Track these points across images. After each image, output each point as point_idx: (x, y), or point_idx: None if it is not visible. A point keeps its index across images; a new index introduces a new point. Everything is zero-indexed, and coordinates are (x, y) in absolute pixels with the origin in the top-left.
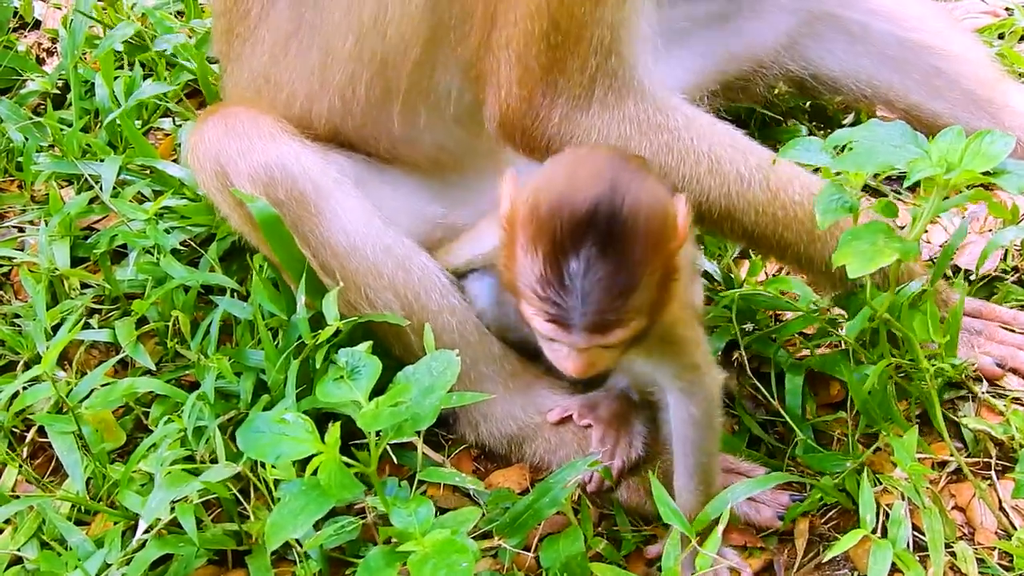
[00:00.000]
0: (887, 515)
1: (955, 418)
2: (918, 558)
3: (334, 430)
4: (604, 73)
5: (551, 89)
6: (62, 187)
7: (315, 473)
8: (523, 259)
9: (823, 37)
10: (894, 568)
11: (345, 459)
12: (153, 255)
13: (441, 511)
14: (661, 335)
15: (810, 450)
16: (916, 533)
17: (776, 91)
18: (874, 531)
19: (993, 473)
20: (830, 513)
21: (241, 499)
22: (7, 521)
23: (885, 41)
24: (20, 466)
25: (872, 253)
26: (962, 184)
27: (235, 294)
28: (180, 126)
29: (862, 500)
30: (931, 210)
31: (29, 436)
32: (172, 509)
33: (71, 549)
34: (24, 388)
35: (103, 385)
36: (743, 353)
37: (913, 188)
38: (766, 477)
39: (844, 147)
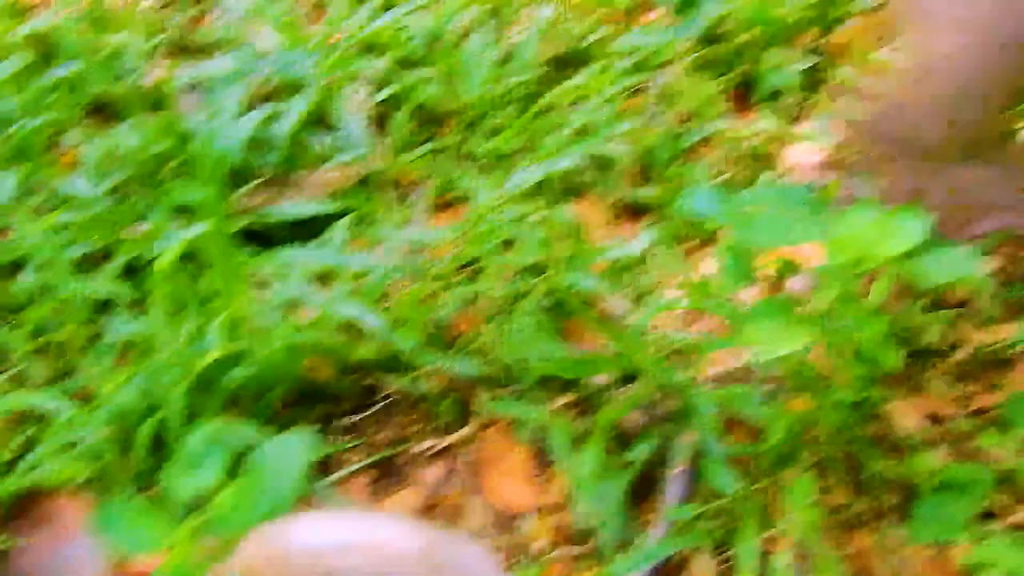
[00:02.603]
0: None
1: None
2: None
3: (192, 519)
4: None
5: None
6: None
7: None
8: None
9: None
10: None
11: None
12: (49, 267)
13: None
14: None
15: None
16: None
17: None
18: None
19: (888, 520)
20: (726, 553)
21: None
22: None
23: None
24: None
25: (779, 336)
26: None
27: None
28: (85, 144)
29: (743, 547)
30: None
31: None
32: None
33: None
34: None
35: None
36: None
37: None
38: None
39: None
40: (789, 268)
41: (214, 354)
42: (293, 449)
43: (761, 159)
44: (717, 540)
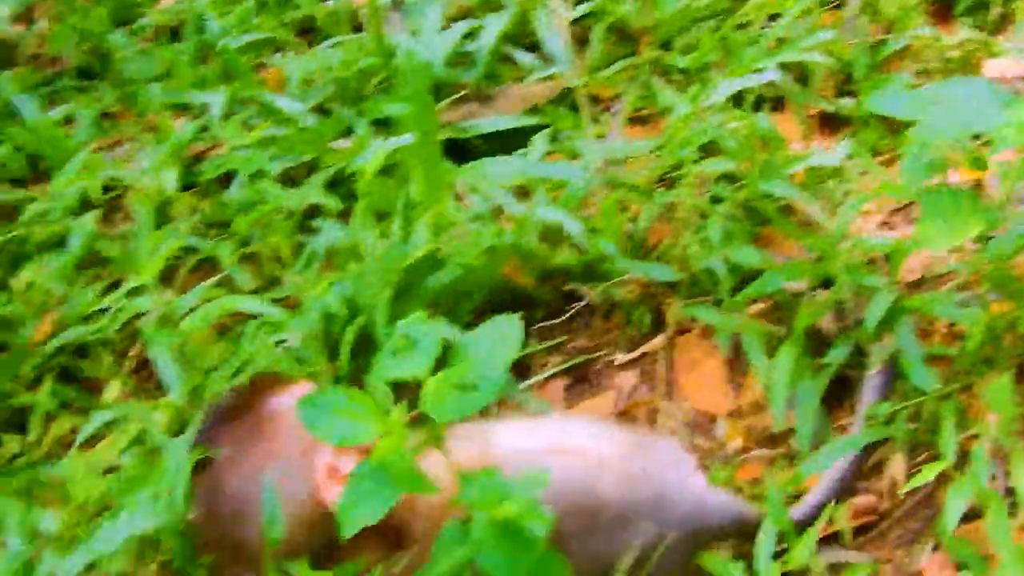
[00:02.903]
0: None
1: None
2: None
3: (400, 409)
4: None
5: None
6: (176, 117)
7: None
8: None
9: None
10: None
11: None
12: (257, 180)
13: None
14: None
15: None
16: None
17: None
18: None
19: None
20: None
21: None
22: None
23: None
24: (125, 380)
25: (954, 225)
26: None
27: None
28: (290, 62)
29: (944, 433)
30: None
31: (133, 351)
32: None
33: (167, 459)
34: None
35: (205, 302)
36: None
37: None
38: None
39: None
40: (978, 164)
41: (420, 251)
42: (500, 336)
43: (961, 70)
44: (913, 440)
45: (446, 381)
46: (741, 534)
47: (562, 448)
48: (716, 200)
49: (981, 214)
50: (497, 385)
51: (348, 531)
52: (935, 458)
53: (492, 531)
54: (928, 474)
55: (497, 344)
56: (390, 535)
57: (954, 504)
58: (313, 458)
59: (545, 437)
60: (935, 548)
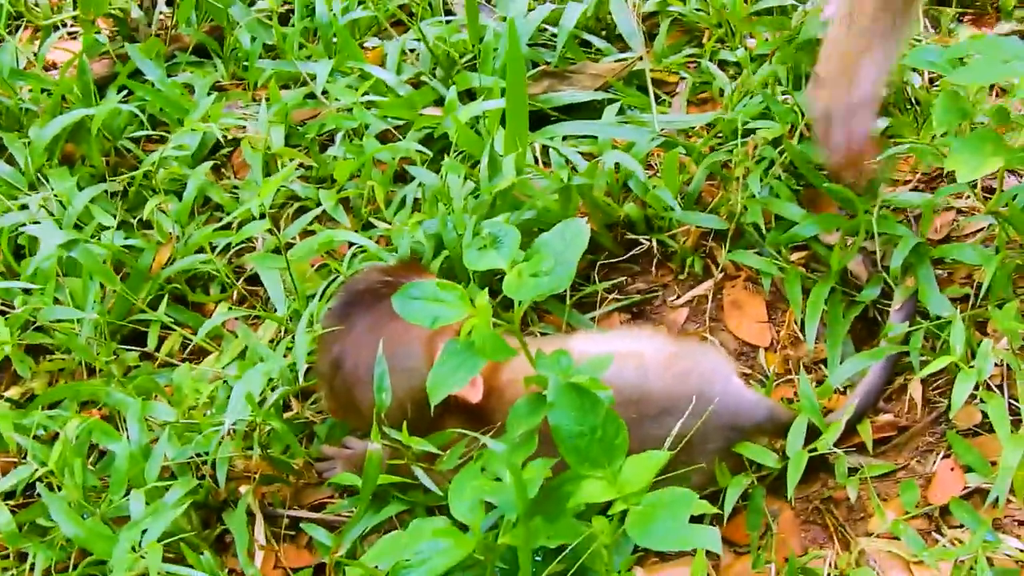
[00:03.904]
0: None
1: None
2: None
3: (483, 296)
4: None
5: None
6: (283, 89)
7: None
8: None
9: None
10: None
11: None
12: (357, 138)
13: None
14: None
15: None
16: (1012, 401)
17: None
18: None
19: None
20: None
21: None
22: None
23: None
24: (231, 307)
25: (979, 160)
26: None
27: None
28: (389, 43)
29: (953, 333)
30: None
31: (239, 283)
32: None
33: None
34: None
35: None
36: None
37: None
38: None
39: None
40: (1001, 115)
41: (507, 181)
42: (571, 235)
43: None
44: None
45: (525, 269)
46: (774, 430)
47: (620, 352)
48: (762, 158)
49: (1003, 151)
50: (570, 272)
51: (436, 398)
52: (950, 382)
53: (564, 393)
54: (938, 363)
55: (569, 241)
56: (483, 419)
57: (960, 388)
58: (437, 342)
59: (607, 344)
60: (945, 455)
